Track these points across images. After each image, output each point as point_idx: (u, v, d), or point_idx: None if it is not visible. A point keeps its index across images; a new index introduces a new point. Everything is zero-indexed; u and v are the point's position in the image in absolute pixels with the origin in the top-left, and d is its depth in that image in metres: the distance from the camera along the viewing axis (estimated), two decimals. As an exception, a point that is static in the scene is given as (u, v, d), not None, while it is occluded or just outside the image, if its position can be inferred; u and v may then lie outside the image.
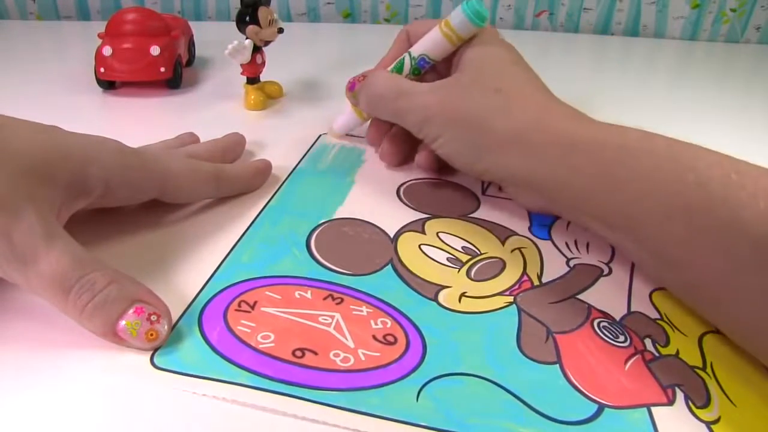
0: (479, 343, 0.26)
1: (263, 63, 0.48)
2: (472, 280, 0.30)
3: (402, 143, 0.39)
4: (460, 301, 0.29)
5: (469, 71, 0.34)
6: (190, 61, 0.57)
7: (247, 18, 0.44)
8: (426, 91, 0.35)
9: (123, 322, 0.24)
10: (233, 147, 0.40)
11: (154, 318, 0.24)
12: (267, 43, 0.46)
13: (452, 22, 0.36)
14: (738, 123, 0.53)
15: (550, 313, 0.28)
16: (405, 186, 0.38)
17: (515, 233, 0.34)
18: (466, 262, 0.31)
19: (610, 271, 0.31)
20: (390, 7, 0.77)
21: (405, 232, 0.33)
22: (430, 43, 0.37)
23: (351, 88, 0.39)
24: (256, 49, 0.46)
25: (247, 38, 0.45)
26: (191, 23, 0.58)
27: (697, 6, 0.77)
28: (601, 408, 0.23)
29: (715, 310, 0.26)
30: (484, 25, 0.35)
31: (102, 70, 0.48)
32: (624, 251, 0.31)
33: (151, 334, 0.24)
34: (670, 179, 0.26)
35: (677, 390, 0.24)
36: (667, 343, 0.27)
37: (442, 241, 0.33)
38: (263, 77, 0.49)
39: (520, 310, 0.28)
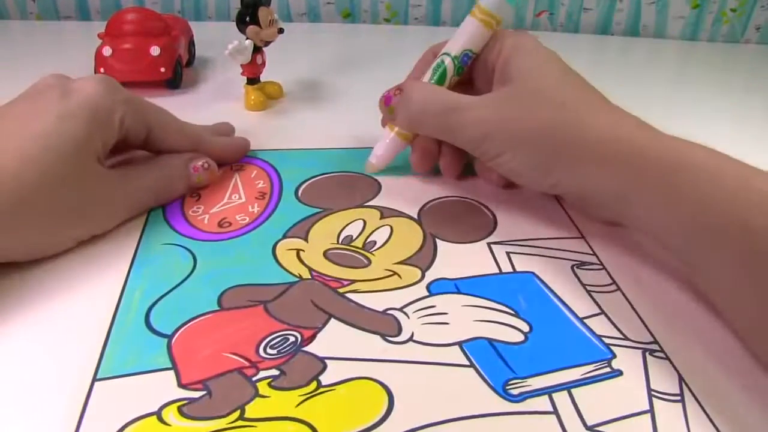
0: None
1: (263, 63, 0.48)
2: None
3: (460, 155, 0.37)
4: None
5: (524, 82, 0.32)
6: (190, 62, 0.57)
7: (247, 18, 0.44)
8: (480, 104, 0.33)
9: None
10: (223, 129, 0.42)
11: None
12: (267, 43, 0.46)
13: (488, 7, 0.35)
14: (738, 123, 0.53)
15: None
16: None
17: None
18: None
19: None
20: (390, 7, 0.77)
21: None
22: (466, 35, 0.35)
23: (387, 102, 0.36)
24: (257, 50, 0.46)
25: (247, 38, 0.45)
26: (191, 23, 0.58)
27: (697, 6, 0.77)
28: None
29: (761, 333, 0.26)
30: (515, 5, 0.35)
31: (102, 70, 0.48)
32: (679, 274, 0.30)
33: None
34: (733, 197, 0.26)
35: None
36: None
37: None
38: (263, 77, 0.49)
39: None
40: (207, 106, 0.49)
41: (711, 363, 0.26)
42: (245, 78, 0.48)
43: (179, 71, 0.51)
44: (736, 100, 0.59)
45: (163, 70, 0.49)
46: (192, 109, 0.48)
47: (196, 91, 0.52)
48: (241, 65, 0.47)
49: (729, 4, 0.77)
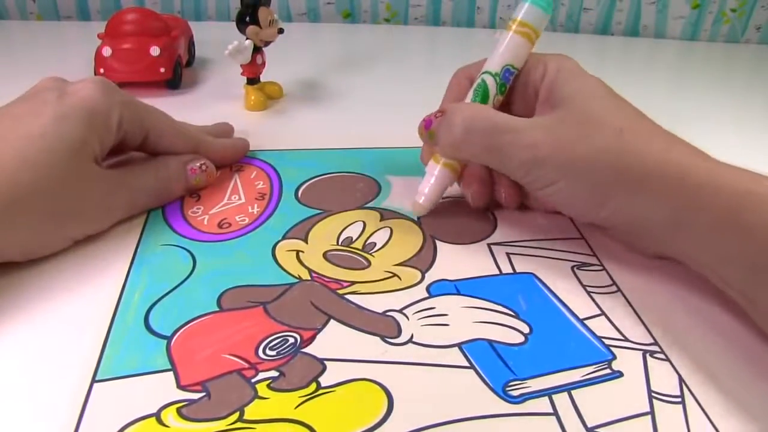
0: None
1: (263, 63, 0.48)
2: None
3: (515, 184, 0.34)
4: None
5: (577, 106, 0.30)
6: (190, 62, 0.57)
7: (247, 18, 0.44)
8: (533, 126, 0.30)
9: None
10: (223, 129, 0.42)
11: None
12: (267, 43, 0.46)
13: (526, 19, 0.33)
14: (738, 123, 0.53)
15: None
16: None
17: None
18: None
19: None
20: (390, 7, 0.77)
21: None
22: (507, 51, 0.33)
23: (428, 126, 0.33)
24: (256, 50, 0.46)
25: (247, 38, 0.45)
26: (191, 23, 0.58)
27: (698, 6, 0.77)
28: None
29: None
30: (551, 12, 0.33)
31: (102, 70, 0.48)
32: (744, 309, 0.28)
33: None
34: None
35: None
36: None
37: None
38: (263, 78, 0.49)
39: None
40: (207, 106, 0.49)
41: (711, 364, 0.26)
42: (245, 78, 0.48)
43: (179, 71, 0.51)
44: (736, 100, 0.59)
45: (162, 70, 0.49)
46: (192, 109, 0.48)
47: (196, 92, 0.52)
48: (241, 65, 0.47)
49: (729, 4, 0.77)
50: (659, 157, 0.28)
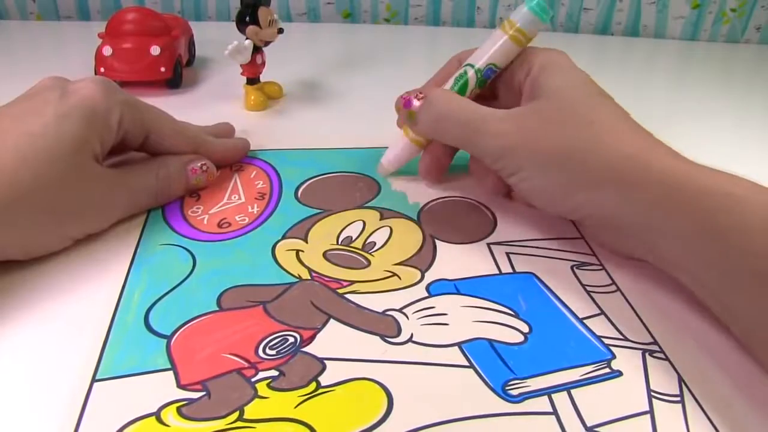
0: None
1: (263, 63, 0.48)
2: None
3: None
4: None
5: (552, 100, 0.31)
6: (190, 61, 0.57)
7: (247, 18, 0.44)
8: (503, 116, 0.31)
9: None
10: (224, 129, 0.42)
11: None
12: (267, 43, 0.46)
13: (519, 23, 0.34)
14: (738, 123, 0.53)
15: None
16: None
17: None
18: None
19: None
20: (390, 7, 0.77)
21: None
22: (493, 49, 0.34)
23: (407, 105, 0.35)
24: (256, 50, 0.46)
25: (247, 38, 0.45)
26: (191, 23, 0.58)
27: (698, 6, 0.77)
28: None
29: None
30: (548, 21, 0.33)
31: (102, 70, 0.48)
32: (720, 317, 0.27)
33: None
34: None
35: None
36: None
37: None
38: (263, 78, 0.49)
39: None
40: (207, 106, 0.49)
41: (711, 364, 0.26)
42: (245, 78, 0.48)
43: (179, 71, 0.51)
44: (736, 100, 0.59)
45: (163, 69, 0.49)
46: (192, 109, 0.48)
47: (196, 91, 0.52)
48: (241, 65, 0.47)
49: (729, 4, 0.77)
50: (633, 153, 0.28)
